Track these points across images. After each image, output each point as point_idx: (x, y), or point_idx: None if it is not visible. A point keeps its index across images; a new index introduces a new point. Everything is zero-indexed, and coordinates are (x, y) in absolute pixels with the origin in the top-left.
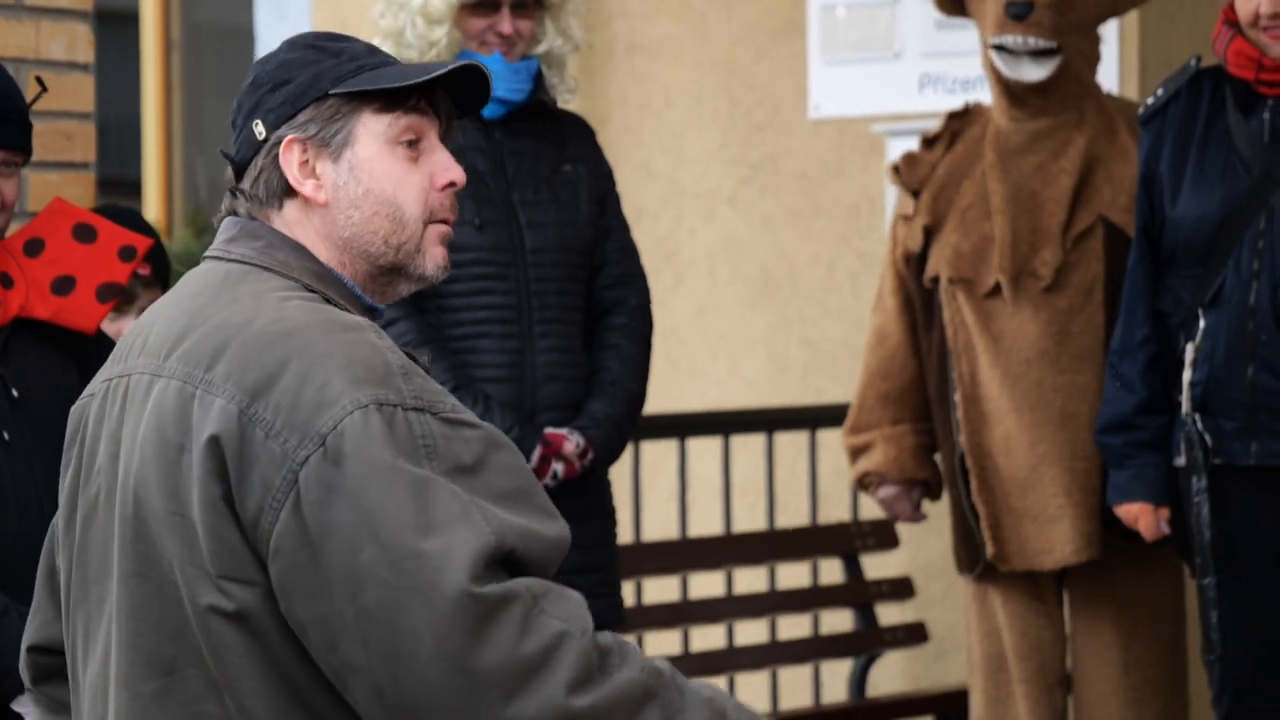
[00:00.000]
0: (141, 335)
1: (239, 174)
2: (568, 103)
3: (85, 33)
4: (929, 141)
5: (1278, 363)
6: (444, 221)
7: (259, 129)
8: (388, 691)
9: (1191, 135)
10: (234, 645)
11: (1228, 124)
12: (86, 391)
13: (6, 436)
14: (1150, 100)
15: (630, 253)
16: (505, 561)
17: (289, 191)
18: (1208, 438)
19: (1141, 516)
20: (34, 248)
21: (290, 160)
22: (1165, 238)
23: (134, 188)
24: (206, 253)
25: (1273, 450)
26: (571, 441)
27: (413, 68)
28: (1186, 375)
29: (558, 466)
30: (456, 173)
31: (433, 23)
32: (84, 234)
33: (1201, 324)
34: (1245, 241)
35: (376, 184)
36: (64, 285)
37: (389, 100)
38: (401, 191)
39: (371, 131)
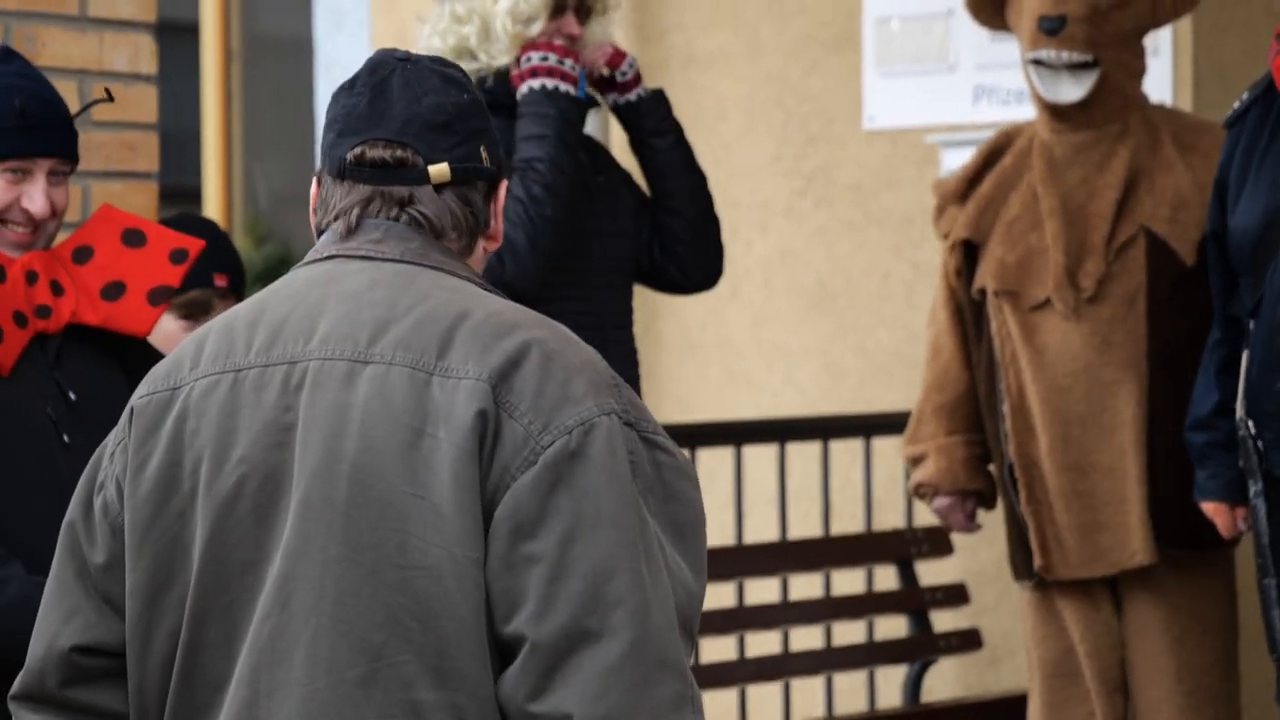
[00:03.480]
0: (290, 326)
1: (453, 183)
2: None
3: (148, 44)
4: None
5: None
6: None
7: (486, 156)
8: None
9: (1257, 144)
10: (474, 629)
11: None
12: (167, 385)
13: (67, 439)
14: (1236, 104)
15: None
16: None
17: (487, 224)
18: (1259, 443)
19: (1217, 515)
20: (82, 255)
21: (499, 203)
22: (1229, 244)
23: (194, 197)
24: (341, 251)
25: None
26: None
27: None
28: (1241, 383)
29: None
30: None
31: (526, 22)
32: (133, 239)
33: (1251, 332)
34: (1279, 255)
35: (500, 239)
36: (114, 291)
37: None
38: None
39: (504, 188)
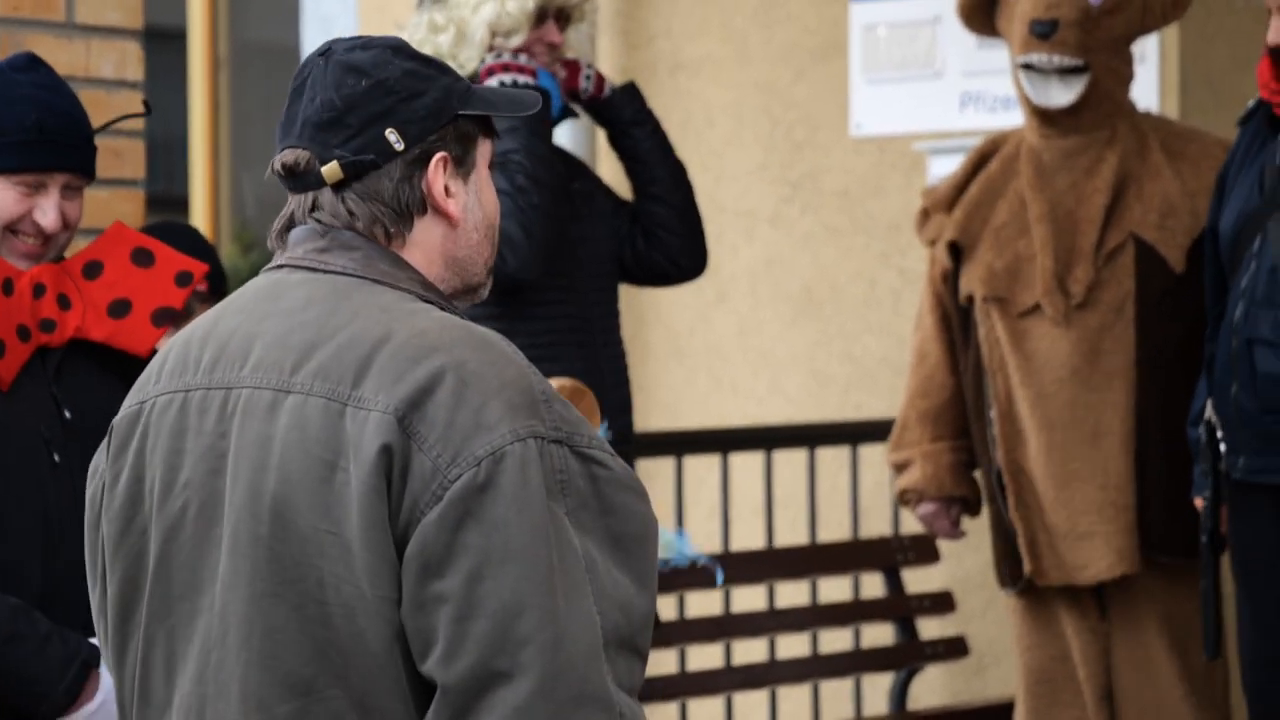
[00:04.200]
0: (232, 346)
1: (349, 180)
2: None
3: (135, 50)
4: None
5: (1247, 384)
6: None
7: (394, 138)
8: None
9: (1251, 148)
10: (388, 666)
11: (1274, 144)
12: (136, 400)
13: (57, 458)
14: (1250, 103)
15: None
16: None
17: (422, 207)
18: (1222, 447)
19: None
20: (93, 270)
21: (437, 177)
22: (1219, 245)
23: (181, 204)
24: (288, 260)
25: (1253, 468)
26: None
27: (518, 94)
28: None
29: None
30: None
31: (506, 34)
32: (142, 258)
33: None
34: (1243, 261)
35: (489, 208)
36: (121, 308)
37: (489, 126)
38: (496, 216)
39: (484, 155)
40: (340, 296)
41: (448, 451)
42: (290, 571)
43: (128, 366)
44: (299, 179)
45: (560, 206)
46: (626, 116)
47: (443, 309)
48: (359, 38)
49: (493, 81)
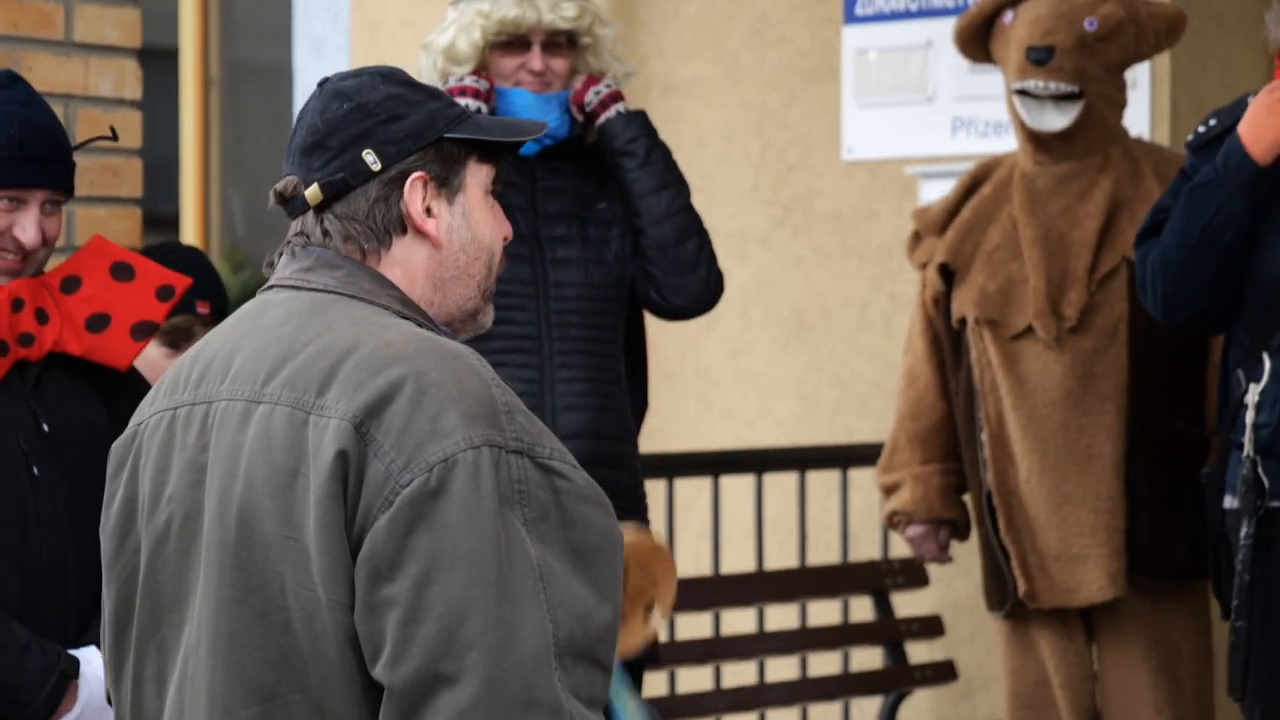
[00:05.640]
0: (216, 362)
1: (330, 201)
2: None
3: (133, 69)
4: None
5: None
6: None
7: (371, 159)
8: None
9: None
10: (342, 671)
11: None
12: (135, 422)
13: (36, 471)
14: (1201, 128)
15: None
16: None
17: (401, 227)
18: (1266, 481)
19: None
20: (71, 285)
21: (415, 197)
22: (1256, 278)
23: (171, 223)
24: (277, 281)
25: None
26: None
27: (509, 122)
28: (1250, 416)
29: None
30: (509, 227)
31: (457, 63)
32: (122, 272)
33: (1268, 366)
34: None
35: (480, 231)
36: (99, 322)
37: (486, 151)
38: (494, 241)
39: (476, 179)
40: (317, 312)
41: (401, 457)
42: (255, 578)
43: (107, 380)
44: (289, 204)
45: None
46: (615, 147)
47: (419, 325)
48: (353, 70)
49: None
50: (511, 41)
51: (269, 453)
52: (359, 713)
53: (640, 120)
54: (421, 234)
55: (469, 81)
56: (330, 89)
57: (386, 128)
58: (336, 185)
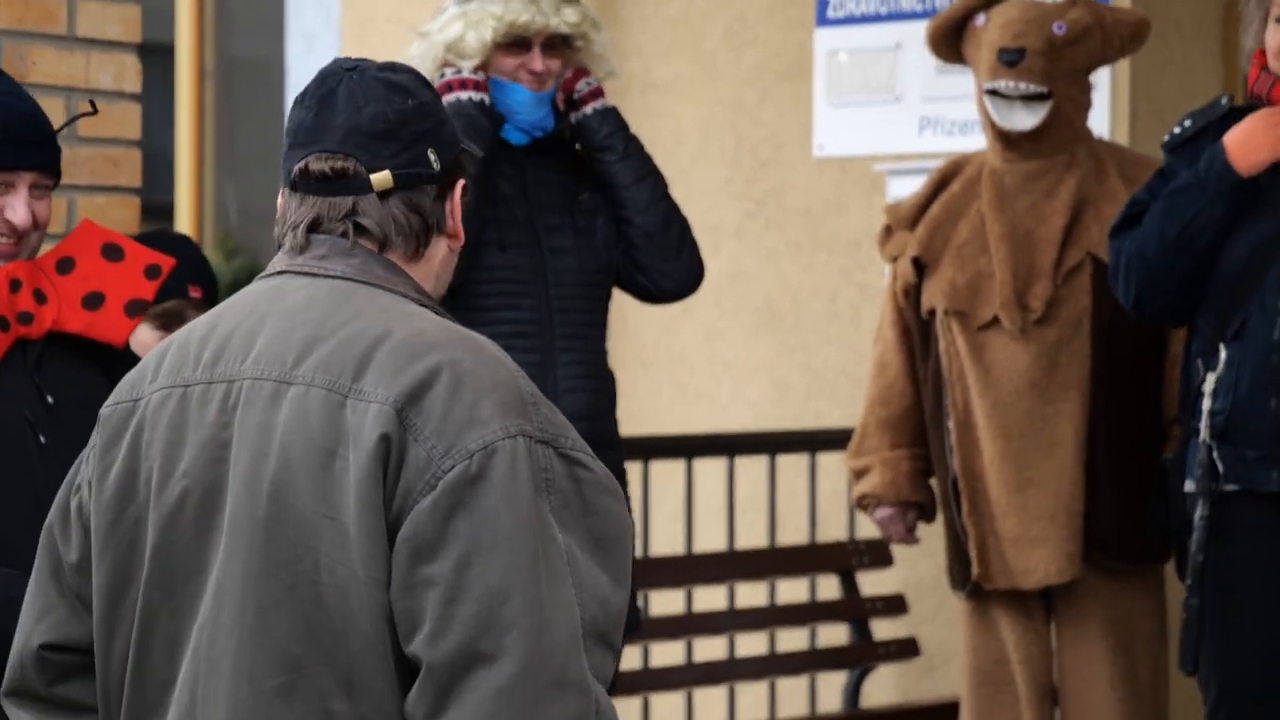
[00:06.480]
0: (234, 343)
1: (395, 189)
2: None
3: (133, 63)
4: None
5: None
6: None
7: (433, 158)
8: (429, 691)
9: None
10: (376, 645)
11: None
12: (130, 397)
13: (43, 440)
14: (1177, 129)
15: None
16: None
17: (440, 226)
18: (1221, 466)
19: None
20: (65, 265)
21: (457, 199)
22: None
23: (166, 212)
24: (289, 266)
25: None
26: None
27: (469, 130)
28: (1206, 404)
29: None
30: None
31: (461, 57)
32: (112, 253)
33: (1223, 356)
34: (1269, 281)
35: (461, 230)
36: (94, 301)
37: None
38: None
39: (460, 187)
40: (341, 297)
41: (442, 443)
42: (286, 553)
43: (105, 356)
44: (341, 183)
45: (476, 215)
46: (596, 140)
47: (436, 313)
48: (381, 62)
49: (448, 99)
50: (514, 41)
51: (306, 433)
52: (388, 685)
53: (615, 115)
54: (449, 234)
55: (470, 74)
56: (382, 79)
57: (442, 129)
58: (411, 177)
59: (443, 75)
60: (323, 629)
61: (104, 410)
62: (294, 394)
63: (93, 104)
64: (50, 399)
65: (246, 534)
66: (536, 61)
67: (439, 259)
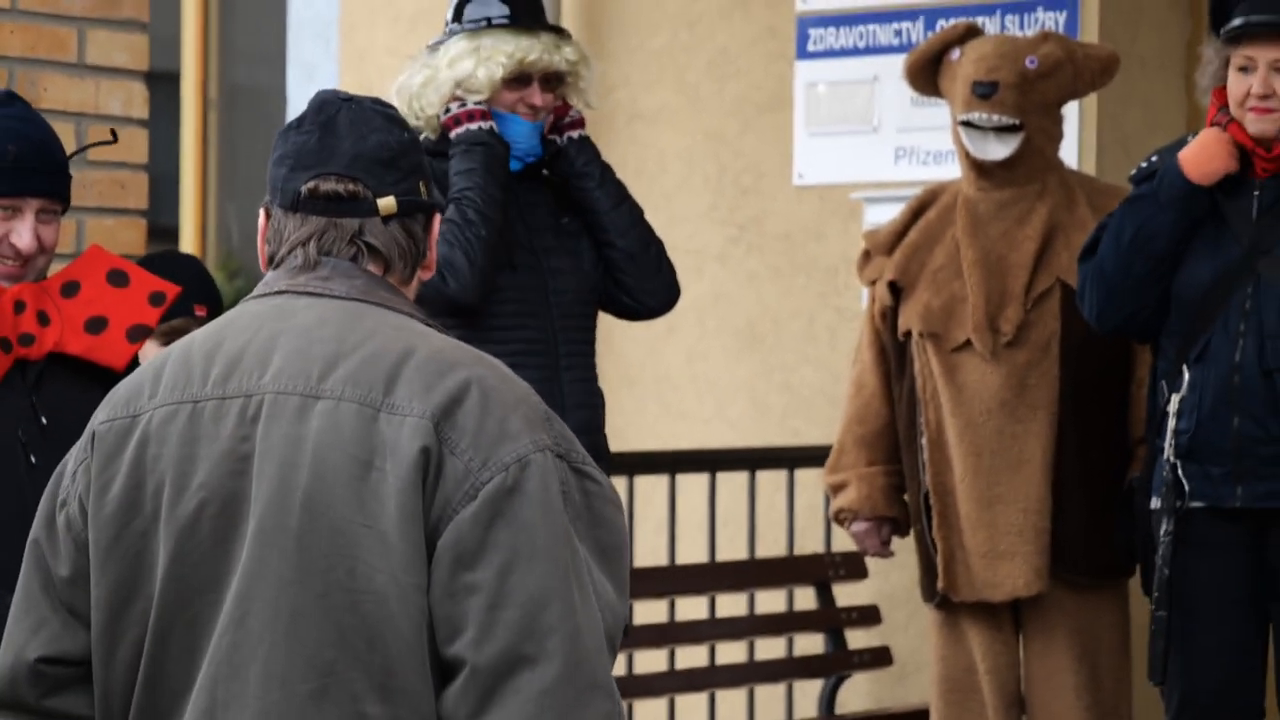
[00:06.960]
0: (247, 360)
1: (397, 216)
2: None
3: (141, 90)
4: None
5: (1260, 414)
6: None
7: (424, 190)
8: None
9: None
10: (417, 649)
11: (1216, 198)
12: (127, 414)
13: (34, 460)
14: (1144, 164)
15: None
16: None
17: (423, 255)
18: (1186, 484)
19: None
20: (70, 289)
21: (434, 234)
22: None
23: (171, 234)
24: (290, 286)
25: (1256, 493)
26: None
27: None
28: (1171, 424)
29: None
30: None
31: (470, 91)
32: (117, 279)
33: (1187, 377)
34: (1233, 305)
35: (434, 267)
36: (97, 325)
37: None
38: None
39: (438, 220)
40: (353, 316)
41: (479, 456)
42: (318, 561)
43: (105, 379)
44: (350, 204)
45: (503, 239)
46: (575, 169)
47: (442, 333)
48: (368, 96)
49: (461, 130)
50: (516, 77)
51: (340, 445)
52: (425, 686)
53: (590, 144)
54: (426, 265)
55: (477, 106)
56: (378, 111)
57: (425, 164)
58: (412, 205)
59: (449, 110)
60: (356, 634)
61: (98, 427)
62: (323, 408)
63: (114, 133)
64: (44, 420)
65: (277, 544)
66: (536, 96)
67: (413, 288)
